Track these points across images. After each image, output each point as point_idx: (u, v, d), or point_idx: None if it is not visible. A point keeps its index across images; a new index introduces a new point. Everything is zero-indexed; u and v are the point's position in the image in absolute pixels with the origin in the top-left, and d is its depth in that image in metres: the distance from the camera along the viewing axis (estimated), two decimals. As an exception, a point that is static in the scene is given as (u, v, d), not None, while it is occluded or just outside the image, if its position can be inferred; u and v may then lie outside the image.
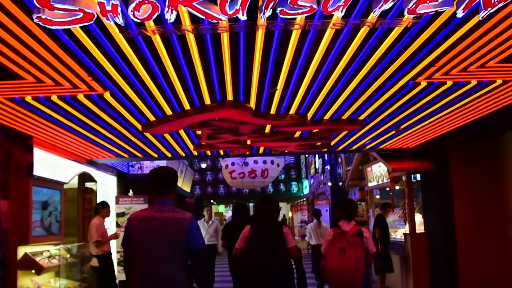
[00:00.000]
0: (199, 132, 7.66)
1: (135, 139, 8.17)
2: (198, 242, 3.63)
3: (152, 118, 6.61)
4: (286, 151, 10.16)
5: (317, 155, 23.73)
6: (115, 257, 11.09)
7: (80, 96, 5.43)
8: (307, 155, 27.13)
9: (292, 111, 6.61)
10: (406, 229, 10.68)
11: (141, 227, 3.61)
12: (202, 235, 3.82)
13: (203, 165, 29.08)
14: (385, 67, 5.10)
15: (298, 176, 30.67)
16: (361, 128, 7.75)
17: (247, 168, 22.98)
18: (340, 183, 18.59)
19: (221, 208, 42.60)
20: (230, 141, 8.28)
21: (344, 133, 8.25)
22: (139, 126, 7.02)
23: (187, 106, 6.10)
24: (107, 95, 5.47)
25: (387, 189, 13.19)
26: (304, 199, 29.29)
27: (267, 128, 7.65)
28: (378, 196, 14.47)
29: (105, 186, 11.35)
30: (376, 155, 11.19)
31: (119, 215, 11.59)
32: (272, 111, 6.53)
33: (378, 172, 12.18)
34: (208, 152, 9.91)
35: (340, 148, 10.06)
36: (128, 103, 5.90)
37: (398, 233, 11.34)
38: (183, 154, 9.94)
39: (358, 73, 5.25)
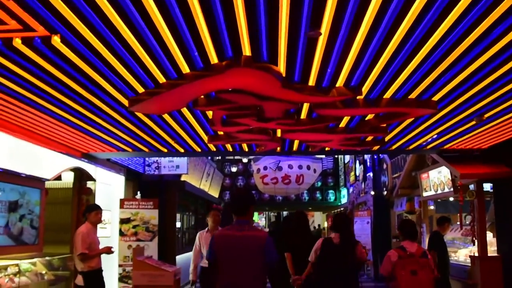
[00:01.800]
0: (209, 115, 5.71)
1: (132, 126, 6.34)
2: (274, 256, 3.98)
3: (140, 89, 4.72)
4: (326, 148, 8.05)
5: (357, 161, 21.63)
6: (115, 272, 9.26)
7: (17, 42, 3.56)
8: (346, 161, 25.07)
9: (340, 82, 4.59)
10: (471, 250, 8.94)
11: (225, 244, 4.00)
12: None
13: (234, 169, 27.18)
14: (482, 15, 3.19)
15: (336, 183, 28.51)
16: (435, 113, 5.67)
17: (280, 173, 21.13)
18: (385, 192, 16.45)
19: (255, 216, 40.68)
20: (253, 130, 6.30)
21: (406, 123, 6.19)
22: (126, 102, 5.12)
23: (185, 68, 4.17)
24: (57, 42, 3.56)
25: (439, 200, 11.17)
26: (342, 208, 27.12)
27: (303, 112, 5.65)
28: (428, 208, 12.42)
29: (108, 187, 9.51)
30: (437, 158, 9.07)
31: (123, 221, 9.74)
32: (311, 81, 4.52)
33: (436, 179, 10.13)
34: (229, 147, 7.94)
35: (394, 146, 8.02)
36: (96, 60, 3.99)
37: (460, 255, 9.50)
38: (198, 149, 8.04)
39: (441, 24, 3.32)
